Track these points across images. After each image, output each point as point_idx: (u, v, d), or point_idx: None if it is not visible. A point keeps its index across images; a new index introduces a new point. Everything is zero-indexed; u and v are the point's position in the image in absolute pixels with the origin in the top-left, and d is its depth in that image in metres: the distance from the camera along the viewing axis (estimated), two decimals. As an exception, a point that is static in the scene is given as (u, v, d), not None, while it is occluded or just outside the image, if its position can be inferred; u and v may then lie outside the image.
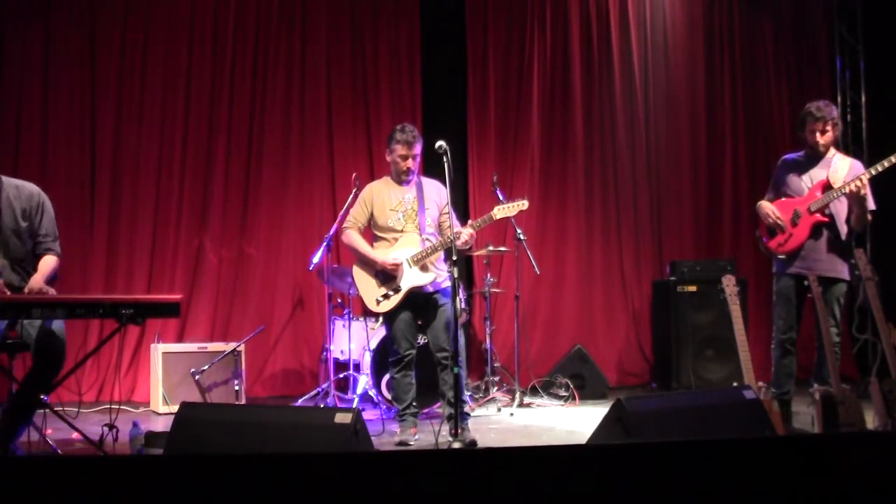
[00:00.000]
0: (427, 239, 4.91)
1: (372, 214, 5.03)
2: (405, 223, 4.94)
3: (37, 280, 4.11)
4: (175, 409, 3.58)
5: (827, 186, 4.88)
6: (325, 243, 5.99)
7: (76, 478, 2.14)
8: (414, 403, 5.04)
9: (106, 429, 4.35)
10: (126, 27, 6.90)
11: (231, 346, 6.18)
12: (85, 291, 6.23)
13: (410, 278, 4.88)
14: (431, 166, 5.43)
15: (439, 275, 4.95)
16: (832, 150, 5.01)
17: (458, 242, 4.67)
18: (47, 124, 6.71)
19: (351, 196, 6.07)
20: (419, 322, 5.07)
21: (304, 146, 7.29)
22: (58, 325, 4.11)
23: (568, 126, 7.80)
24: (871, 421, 4.66)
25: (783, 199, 5.06)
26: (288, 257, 7.18)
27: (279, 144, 7.22)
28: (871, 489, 2.30)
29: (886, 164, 4.69)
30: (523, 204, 4.85)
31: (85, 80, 6.81)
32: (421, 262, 4.87)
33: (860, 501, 2.29)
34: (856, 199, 4.77)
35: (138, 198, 6.89)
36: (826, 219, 4.89)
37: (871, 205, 4.90)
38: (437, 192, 5.06)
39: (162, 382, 6.03)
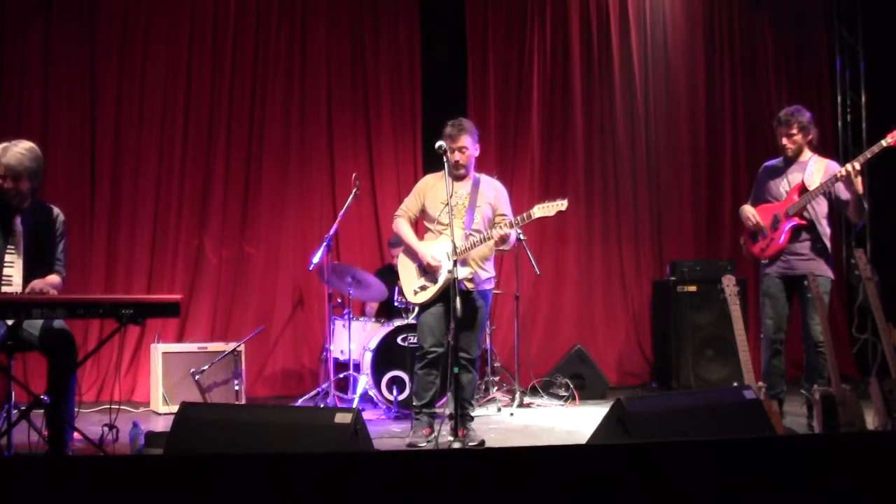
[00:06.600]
0: (471, 235, 4.85)
1: (423, 205, 5.00)
2: (453, 217, 4.80)
3: (38, 281, 4.12)
4: (175, 409, 3.58)
5: (803, 189, 4.99)
6: (325, 243, 5.99)
7: (76, 478, 2.14)
8: (434, 405, 4.98)
9: (106, 429, 4.35)
10: (126, 27, 6.90)
11: (231, 346, 6.18)
12: (85, 291, 6.21)
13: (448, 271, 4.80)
14: (432, 166, 5.43)
15: (480, 274, 4.92)
16: (808, 153, 5.11)
17: (496, 239, 4.75)
18: (47, 124, 6.70)
19: (351, 196, 6.08)
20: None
21: (303, 146, 7.29)
22: (58, 321, 4.12)
23: (568, 126, 7.80)
24: (871, 421, 4.66)
25: (764, 203, 5.17)
26: (288, 257, 7.18)
27: (279, 144, 7.22)
28: (871, 489, 2.30)
29: (869, 154, 4.78)
30: (562, 204, 4.74)
31: (85, 80, 6.81)
32: (461, 257, 4.78)
33: (860, 501, 2.29)
34: (847, 183, 4.83)
35: (138, 198, 6.89)
36: (804, 222, 5.00)
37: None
38: (493, 193, 5.02)
39: (162, 382, 6.03)
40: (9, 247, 4.15)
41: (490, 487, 2.21)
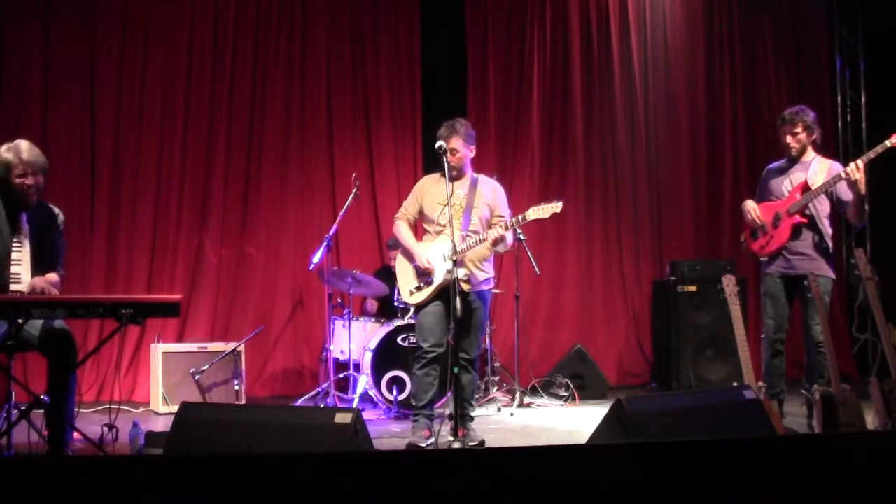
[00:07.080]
0: (468, 236, 4.84)
1: (421, 207, 5.01)
2: (451, 218, 4.76)
3: (39, 279, 4.12)
4: (175, 409, 3.58)
5: (806, 188, 4.98)
6: (325, 243, 5.99)
7: (76, 478, 2.14)
8: (434, 406, 4.97)
9: (106, 429, 4.35)
10: (126, 27, 6.90)
11: (231, 346, 6.18)
12: (85, 291, 6.22)
13: (444, 272, 4.80)
14: (432, 166, 5.42)
15: (478, 275, 4.91)
16: (811, 153, 5.11)
17: (489, 241, 4.74)
18: (47, 124, 6.70)
19: (351, 196, 6.08)
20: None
21: (304, 146, 7.29)
22: (58, 320, 4.13)
23: (568, 126, 7.80)
24: (871, 421, 4.66)
25: (766, 202, 5.17)
26: (288, 257, 7.18)
27: (279, 144, 7.22)
28: (871, 489, 2.30)
29: (873, 155, 4.75)
30: (557, 206, 4.74)
31: (85, 80, 6.81)
32: (458, 258, 4.73)
33: (860, 501, 2.29)
34: (850, 183, 4.81)
35: (138, 198, 6.89)
36: (805, 220, 4.99)
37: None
38: (492, 194, 5.01)
39: (162, 382, 6.03)
40: (16, 245, 4.16)
41: (490, 487, 2.21)
